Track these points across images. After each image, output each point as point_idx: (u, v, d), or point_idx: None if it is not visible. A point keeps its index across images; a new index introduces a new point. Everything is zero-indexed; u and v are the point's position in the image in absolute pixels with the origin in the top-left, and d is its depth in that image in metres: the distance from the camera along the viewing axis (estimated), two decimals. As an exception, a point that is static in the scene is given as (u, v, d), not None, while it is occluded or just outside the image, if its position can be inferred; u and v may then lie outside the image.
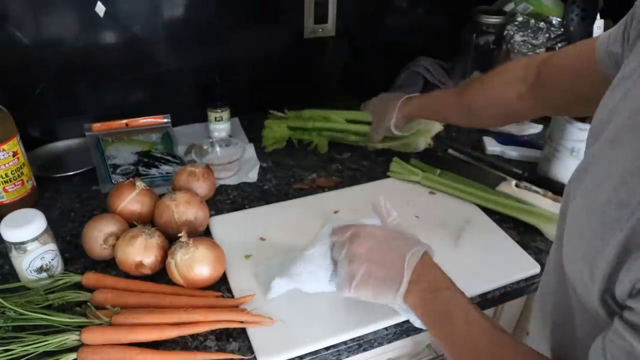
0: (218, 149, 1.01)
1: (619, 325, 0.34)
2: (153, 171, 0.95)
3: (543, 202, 0.86)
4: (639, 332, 0.32)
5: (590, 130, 0.47)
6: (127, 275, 0.72)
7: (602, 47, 0.57)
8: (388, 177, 0.97)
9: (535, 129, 1.14)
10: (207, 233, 0.82)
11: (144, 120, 1.03)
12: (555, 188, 0.89)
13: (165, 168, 0.96)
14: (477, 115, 0.82)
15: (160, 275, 0.72)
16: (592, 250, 0.37)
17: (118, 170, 0.94)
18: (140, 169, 0.95)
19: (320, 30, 1.16)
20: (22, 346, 0.59)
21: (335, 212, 0.86)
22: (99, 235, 0.74)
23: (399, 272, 0.56)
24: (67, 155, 1.03)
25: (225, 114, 1.06)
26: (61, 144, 1.06)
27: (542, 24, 1.12)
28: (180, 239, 0.70)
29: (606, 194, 0.37)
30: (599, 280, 0.37)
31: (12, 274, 0.72)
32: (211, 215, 0.84)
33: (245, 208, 0.89)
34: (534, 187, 0.89)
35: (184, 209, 0.77)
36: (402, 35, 1.27)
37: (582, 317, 0.43)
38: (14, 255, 0.68)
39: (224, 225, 0.84)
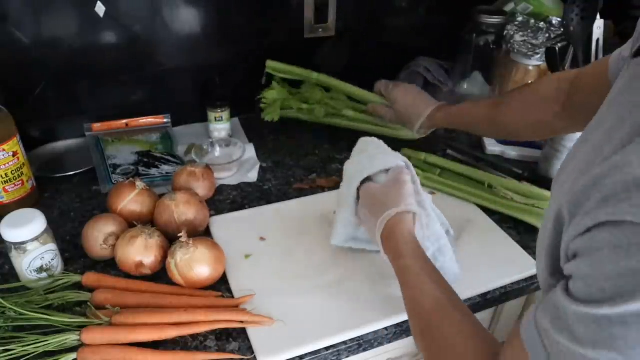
0: (218, 149, 1.01)
1: (558, 289, 0.36)
2: (153, 171, 0.95)
3: (543, 202, 0.86)
4: (570, 294, 0.34)
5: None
6: (127, 275, 0.72)
7: (614, 57, 0.58)
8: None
9: (535, 129, 1.14)
10: (207, 233, 0.82)
11: (144, 120, 1.03)
12: (555, 188, 0.89)
13: (165, 168, 0.96)
14: (513, 132, 0.84)
15: (160, 275, 0.72)
16: (545, 236, 0.39)
17: (118, 170, 0.94)
18: (140, 169, 0.95)
19: (320, 30, 1.16)
20: (22, 346, 0.59)
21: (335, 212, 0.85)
22: (99, 235, 0.74)
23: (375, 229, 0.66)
24: (67, 155, 1.03)
25: (225, 114, 1.06)
26: (61, 144, 1.06)
27: (542, 24, 1.12)
28: (180, 239, 0.70)
29: (570, 182, 0.38)
30: (543, 261, 0.39)
31: (12, 274, 0.72)
32: (211, 215, 0.84)
33: (245, 208, 0.89)
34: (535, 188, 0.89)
35: (184, 209, 0.77)
36: (402, 35, 1.27)
37: None
38: (14, 255, 0.68)
39: (224, 225, 0.84)
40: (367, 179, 0.72)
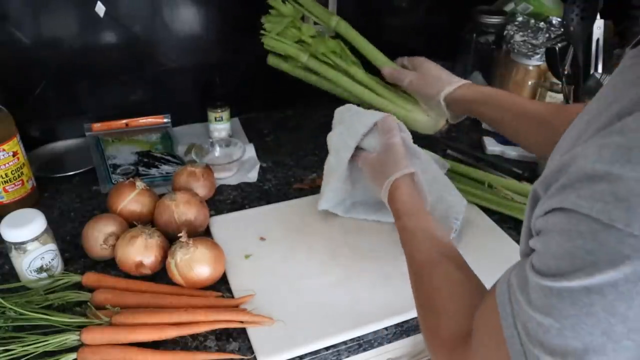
0: (218, 149, 1.01)
1: (529, 259, 0.39)
2: (153, 171, 0.95)
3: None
4: (534, 267, 0.37)
5: None
6: (127, 275, 0.72)
7: None
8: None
9: (535, 129, 1.14)
10: (207, 233, 0.82)
11: (144, 120, 1.03)
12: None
13: (165, 168, 0.96)
14: None
15: (160, 275, 0.72)
16: (526, 211, 0.42)
17: (118, 170, 0.94)
18: (140, 169, 0.95)
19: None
20: (22, 346, 0.59)
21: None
22: (99, 235, 0.74)
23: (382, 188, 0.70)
24: (67, 155, 1.03)
25: (225, 114, 1.06)
26: (61, 144, 1.06)
27: (542, 24, 1.12)
28: (180, 239, 0.70)
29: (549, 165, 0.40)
30: (524, 234, 0.43)
31: (12, 274, 0.72)
32: (211, 215, 0.84)
33: (245, 208, 0.89)
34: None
35: (184, 209, 0.77)
36: (402, 35, 1.27)
37: None
38: (14, 255, 0.68)
39: (224, 225, 0.84)
40: (359, 149, 0.76)
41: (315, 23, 0.94)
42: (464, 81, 0.81)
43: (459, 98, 0.79)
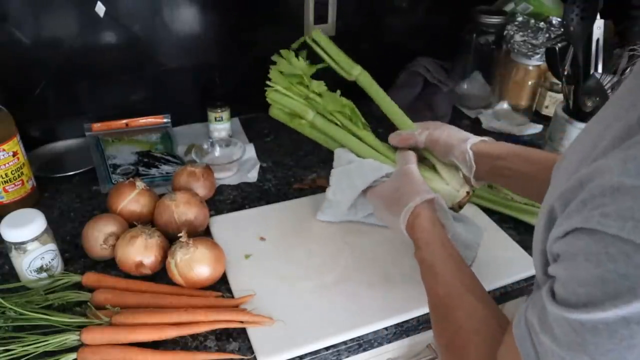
0: (218, 149, 1.01)
1: (544, 288, 0.36)
2: (153, 171, 0.95)
3: (543, 202, 0.85)
4: (554, 297, 0.34)
5: None
6: (127, 275, 0.72)
7: None
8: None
9: (535, 129, 1.14)
10: (207, 233, 0.82)
11: (144, 120, 1.03)
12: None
13: (165, 168, 0.96)
14: None
15: (160, 275, 0.72)
16: (539, 232, 0.39)
17: (118, 170, 0.94)
18: (140, 169, 0.95)
19: (320, 30, 1.16)
20: (22, 346, 0.59)
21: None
22: (99, 235, 0.74)
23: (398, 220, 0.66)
24: (67, 155, 1.04)
25: (225, 114, 1.06)
26: (61, 144, 1.06)
27: (542, 24, 1.12)
28: (180, 239, 0.70)
29: (563, 180, 0.37)
30: (538, 258, 0.39)
31: (12, 274, 0.72)
32: (211, 215, 0.84)
33: (245, 208, 0.89)
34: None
35: (184, 209, 0.77)
36: (402, 36, 1.27)
37: None
38: (14, 255, 0.68)
39: (224, 225, 0.84)
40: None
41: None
42: (485, 137, 0.73)
43: (484, 151, 0.70)
